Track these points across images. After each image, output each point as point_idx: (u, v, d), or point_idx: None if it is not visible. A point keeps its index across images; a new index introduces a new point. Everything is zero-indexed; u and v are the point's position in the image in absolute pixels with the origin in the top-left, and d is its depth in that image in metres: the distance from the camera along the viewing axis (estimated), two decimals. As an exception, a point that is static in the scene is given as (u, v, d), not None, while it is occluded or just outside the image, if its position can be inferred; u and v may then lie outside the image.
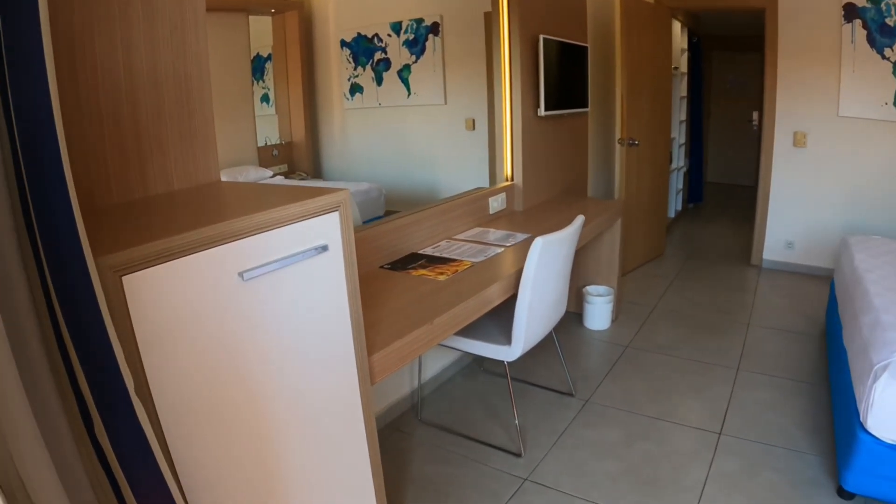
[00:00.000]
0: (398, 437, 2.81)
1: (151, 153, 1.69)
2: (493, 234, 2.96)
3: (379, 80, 5.19)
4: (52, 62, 0.91)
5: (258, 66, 5.53)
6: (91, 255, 1.01)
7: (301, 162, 6.13)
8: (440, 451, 2.68)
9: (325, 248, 1.55)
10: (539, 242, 2.31)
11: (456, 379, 3.29)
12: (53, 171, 0.93)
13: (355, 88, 5.37)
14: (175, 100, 1.73)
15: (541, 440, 2.71)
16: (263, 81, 5.75)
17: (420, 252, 2.72)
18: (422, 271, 2.46)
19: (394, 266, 2.56)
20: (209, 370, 1.32)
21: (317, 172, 5.92)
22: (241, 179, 5.22)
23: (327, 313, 1.62)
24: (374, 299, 2.20)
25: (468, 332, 2.55)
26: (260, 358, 1.43)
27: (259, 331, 1.42)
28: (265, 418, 1.47)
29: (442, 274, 2.41)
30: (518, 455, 2.61)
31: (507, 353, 2.49)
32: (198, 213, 1.46)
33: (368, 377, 1.78)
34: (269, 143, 6.06)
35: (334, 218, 1.58)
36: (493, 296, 2.32)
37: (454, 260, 2.57)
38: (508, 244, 2.77)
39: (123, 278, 1.13)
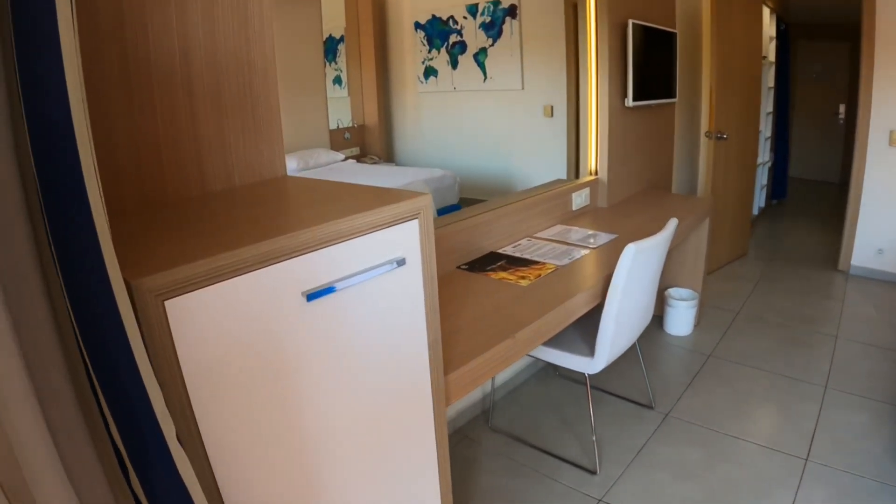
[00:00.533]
0: (466, 444, 2.60)
1: (210, 147, 1.51)
2: (577, 232, 2.70)
3: (454, 64, 4.96)
4: (74, 49, 0.69)
5: (330, 48, 5.37)
6: (119, 277, 0.80)
7: (373, 145, 5.96)
8: (509, 463, 2.47)
9: (402, 262, 1.33)
10: (631, 250, 2.05)
11: (530, 383, 3.05)
12: (70, 180, 0.72)
13: (429, 71, 5.16)
14: (237, 89, 1.54)
15: (617, 456, 2.46)
16: (336, 63, 5.59)
17: (499, 251, 2.49)
18: (502, 274, 2.24)
19: (472, 267, 2.34)
20: (267, 405, 1.11)
21: (389, 156, 5.75)
22: (311, 163, 5.09)
23: (402, 334, 1.40)
24: (451, 305, 1.99)
25: (548, 339, 2.32)
26: (325, 388, 1.23)
27: (324, 357, 1.21)
28: (329, 452, 1.27)
29: (524, 278, 2.18)
30: (593, 472, 2.37)
31: (589, 366, 2.25)
32: (257, 220, 1.24)
33: (443, 400, 1.57)
34: (340, 126, 5.91)
35: (413, 227, 1.36)
36: (579, 306, 2.08)
37: (536, 262, 2.33)
38: (593, 245, 2.52)
39: (166, 303, 0.93)
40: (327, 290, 1.16)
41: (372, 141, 5.80)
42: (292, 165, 5.01)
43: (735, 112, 4.33)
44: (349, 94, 5.50)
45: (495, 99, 4.77)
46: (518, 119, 4.69)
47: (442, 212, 4.35)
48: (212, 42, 1.46)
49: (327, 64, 5.41)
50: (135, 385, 0.82)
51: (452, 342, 1.75)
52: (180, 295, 0.95)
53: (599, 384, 2.99)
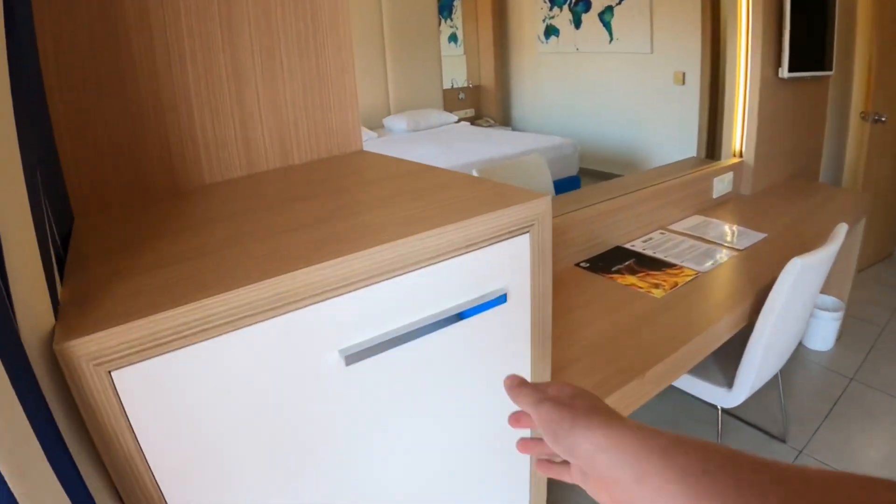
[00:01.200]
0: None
1: (259, 117, 1.18)
2: (717, 226, 2.20)
3: (577, 23, 4.43)
4: None
5: (446, 3, 4.92)
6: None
7: (488, 107, 5.50)
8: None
9: (501, 299, 0.88)
10: (796, 266, 1.55)
11: (653, 402, 2.60)
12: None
13: (550, 31, 4.64)
14: (295, 41, 1.19)
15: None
16: (451, 20, 5.13)
17: (627, 247, 2.03)
18: (630, 278, 1.79)
19: (593, 265, 1.90)
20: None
21: (505, 120, 5.29)
22: (422, 124, 4.72)
23: (491, 392, 0.93)
24: (565, 320, 1.57)
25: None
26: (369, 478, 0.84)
27: (369, 442, 0.81)
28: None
29: (657, 286, 1.73)
30: None
31: (726, 399, 1.80)
32: (290, 226, 0.82)
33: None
34: (455, 86, 5.48)
35: (522, 244, 0.90)
36: (723, 332, 1.63)
37: (671, 264, 1.87)
38: (739, 246, 2.01)
39: (113, 374, 0.56)
40: (372, 344, 0.75)
41: (487, 103, 5.36)
42: (401, 126, 4.67)
43: (897, 90, 3.64)
44: (465, 53, 5.05)
45: (621, 62, 4.22)
46: (645, 85, 4.13)
47: (559, 184, 3.89)
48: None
49: (442, 20, 4.98)
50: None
51: (575, 377, 1.36)
52: (134, 363, 0.57)
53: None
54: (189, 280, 0.64)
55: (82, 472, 0.54)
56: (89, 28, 0.97)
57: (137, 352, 0.57)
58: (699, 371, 1.82)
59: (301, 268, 0.66)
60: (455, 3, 4.92)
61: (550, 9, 4.57)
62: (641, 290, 1.70)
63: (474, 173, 2.44)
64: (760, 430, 2.34)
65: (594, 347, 1.45)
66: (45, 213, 0.68)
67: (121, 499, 0.61)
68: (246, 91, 1.14)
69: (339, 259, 0.68)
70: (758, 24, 2.34)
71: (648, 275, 1.78)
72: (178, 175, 1.12)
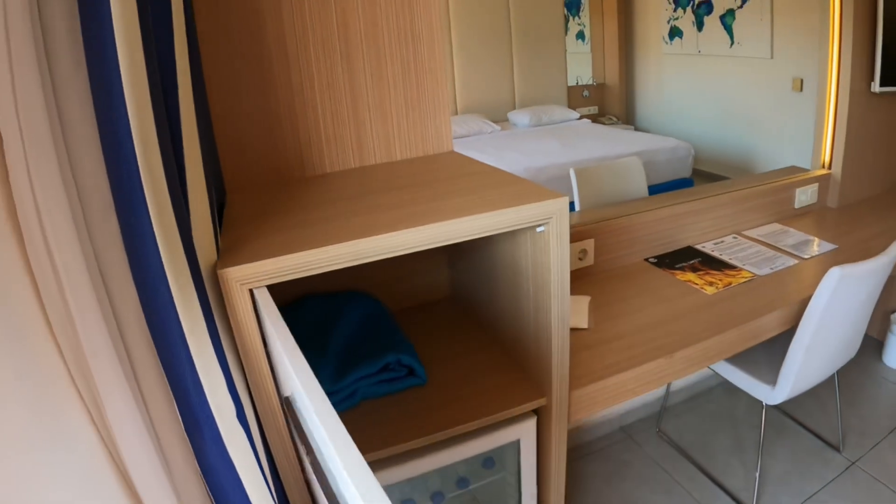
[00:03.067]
0: (625, 446, 2.45)
1: (369, 120, 1.59)
2: (793, 236, 2.35)
3: (699, 25, 4.52)
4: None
5: (574, 1, 5.12)
6: (178, 259, 0.83)
7: (612, 105, 5.67)
8: (662, 476, 2.28)
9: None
10: (834, 275, 1.71)
11: (715, 393, 2.77)
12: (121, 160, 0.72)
13: (674, 32, 4.75)
14: (399, 61, 1.59)
15: (780, 498, 2.16)
16: (579, 17, 5.34)
17: (698, 248, 2.24)
18: (689, 275, 2.01)
19: (660, 261, 2.13)
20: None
21: (628, 119, 5.44)
22: (544, 119, 4.97)
23: None
24: (621, 306, 1.85)
25: (735, 356, 2.07)
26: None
27: None
28: None
29: (712, 284, 1.94)
30: None
31: (768, 395, 1.97)
32: (379, 207, 1.23)
33: (564, 418, 1.46)
34: (580, 83, 5.68)
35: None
36: (767, 328, 1.81)
37: (732, 266, 2.06)
38: (807, 255, 2.16)
39: (255, 291, 0.99)
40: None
41: (612, 101, 5.52)
42: (524, 120, 4.92)
43: None
44: (591, 51, 5.23)
45: (741, 66, 4.29)
46: (764, 91, 4.19)
47: (672, 185, 4.06)
48: (372, 13, 1.50)
49: (571, 18, 5.18)
50: (190, 368, 0.84)
51: (600, 353, 1.62)
52: (265, 285, 1.00)
53: (788, 408, 2.64)
54: (305, 238, 1.06)
55: (227, 357, 0.94)
56: (240, 52, 1.43)
57: (269, 279, 1.00)
58: (748, 366, 2.01)
59: (378, 234, 1.06)
60: (583, 1, 5.10)
61: (675, 10, 4.68)
62: (695, 286, 1.91)
63: (572, 173, 2.69)
64: (816, 435, 2.47)
65: (638, 328, 1.70)
66: (210, 187, 1.08)
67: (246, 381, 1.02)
68: (359, 102, 1.57)
69: (404, 231, 1.08)
70: (848, 34, 2.43)
71: (707, 273, 1.99)
72: (305, 164, 1.58)
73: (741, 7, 4.11)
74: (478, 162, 1.57)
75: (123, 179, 0.72)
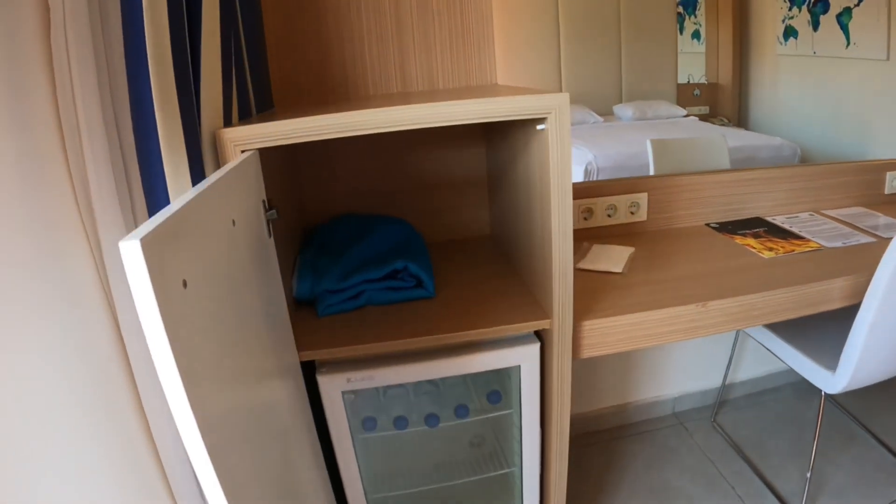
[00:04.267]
0: (675, 432, 2.34)
1: (413, 47, 1.70)
2: (878, 219, 2.15)
3: (815, 24, 4.28)
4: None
5: (690, 0, 4.99)
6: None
7: (724, 106, 5.46)
8: (708, 469, 2.16)
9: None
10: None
11: (784, 392, 2.59)
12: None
13: (789, 32, 4.53)
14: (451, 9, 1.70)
15: (834, 511, 1.98)
16: (695, 17, 5.20)
17: (767, 219, 2.12)
18: (750, 240, 1.90)
19: (722, 227, 2.03)
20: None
21: (741, 121, 5.22)
22: (649, 113, 4.84)
23: None
24: (667, 259, 1.77)
25: (791, 333, 1.94)
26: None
27: None
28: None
29: (771, 249, 1.83)
30: None
31: (827, 382, 1.82)
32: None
33: (568, 348, 1.41)
34: (691, 82, 5.53)
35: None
36: (825, 297, 1.66)
37: (799, 237, 1.93)
38: (882, 234, 1.97)
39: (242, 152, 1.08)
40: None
41: (723, 101, 5.31)
42: (628, 114, 4.81)
43: None
44: (706, 51, 5.09)
45: (855, 68, 4.03)
46: (880, 95, 3.93)
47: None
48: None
49: (687, 16, 5.05)
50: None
51: (626, 293, 1.57)
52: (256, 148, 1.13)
53: (859, 413, 2.42)
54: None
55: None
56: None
57: (260, 142, 1.11)
58: (807, 347, 1.87)
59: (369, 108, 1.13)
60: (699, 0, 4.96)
61: (790, 8, 4.47)
62: (752, 249, 1.81)
63: (648, 143, 2.61)
64: (887, 448, 2.25)
65: (675, 278, 1.64)
66: (232, 79, 1.22)
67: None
68: (404, 32, 1.68)
69: (395, 108, 1.14)
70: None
71: (770, 241, 1.88)
72: (349, 85, 1.70)
73: (858, 5, 3.88)
74: (513, 86, 1.58)
75: (132, 50, 0.88)
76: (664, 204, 2.01)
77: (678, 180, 2.01)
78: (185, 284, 0.68)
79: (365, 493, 1.56)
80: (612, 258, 1.75)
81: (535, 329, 1.41)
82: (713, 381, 2.47)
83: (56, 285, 0.90)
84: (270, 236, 1.22)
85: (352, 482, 1.53)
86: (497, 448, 1.76)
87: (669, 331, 1.51)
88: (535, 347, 1.43)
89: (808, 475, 1.97)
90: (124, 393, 1.07)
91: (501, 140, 1.63)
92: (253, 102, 1.41)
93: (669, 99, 5.14)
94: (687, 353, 2.39)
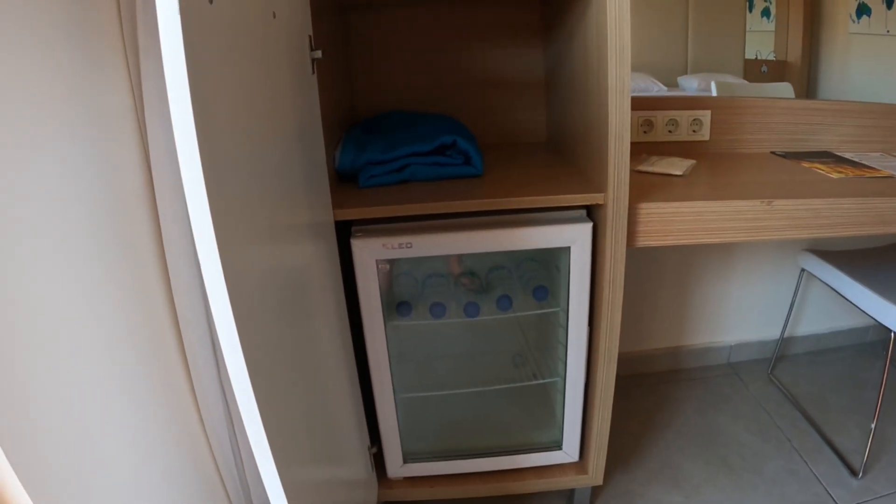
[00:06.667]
0: (729, 381, 2.29)
1: None
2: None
3: (889, 2, 4.21)
4: None
5: None
6: None
7: (793, 84, 5.41)
8: (763, 417, 2.10)
9: None
10: None
11: (846, 351, 2.51)
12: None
13: (862, 9, 4.46)
14: None
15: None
16: (766, -6, 5.18)
17: (836, 153, 2.06)
18: (817, 164, 1.85)
19: (788, 155, 1.99)
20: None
21: (809, 97, 5.18)
22: (713, 87, 4.84)
23: None
24: (728, 171, 1.74)
25: (858, 270, 1.89)
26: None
27: None
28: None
29: (840, 172, 1.78)
30: (854, 474, 1.88)
31: (898, 318, 1.76)
32: None
33: (623, 234, 1.38)
34: (759, 58, 5.49)
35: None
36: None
37: (870, 167, 1.87)
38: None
39: None
40: None
41: (791, 79, 5.25)
42: (693, 85, 4.79)
43: None
44: (775, 28, 5.03)
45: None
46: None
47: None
48: None
49: (760, -6, 5.02)
50: None
51: (687, 187, 1.55)
52: None
53: None
54: None
55: None
56: None
57: None
58: (877, 286, 1.82)
59: None
60: (770, -25, 4.91)
61: None
62: (820, 171, 1.77)
63: (713, 84, 2.58)
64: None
65: (741, 183, 1.58)
66: None
67: None
68: None
69: None
70: None
71: (839, 166, 1.82)
72: None
73: (938, -23, 3.80)
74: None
75: None
76: (728, 125, 1.98)
77: (744, 101, 1.98)
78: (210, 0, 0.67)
79: (394, 390, 1.54)
80: (673, 165, 1.72)
81: (588, 203, 1.37)
82: (772, 332, 2.40)
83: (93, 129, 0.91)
84: (313, 73, 1.21)
85: (381, 375, 1.50)
86: (540, 358, 1.73)
87: (732, 227, 1.46)
88: (587, 227, 1.40)
89: (873, 426, 1.90)
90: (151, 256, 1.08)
91: (559, 24, 1.61)
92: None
93: (736, 73, 5.10)
94: (746, 296, 2.34)
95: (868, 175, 1.76)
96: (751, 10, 4.64)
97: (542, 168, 1.59)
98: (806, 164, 1.85)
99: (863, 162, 1.92)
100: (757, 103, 1.98)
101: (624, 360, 2.29)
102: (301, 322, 1.02)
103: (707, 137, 1.96)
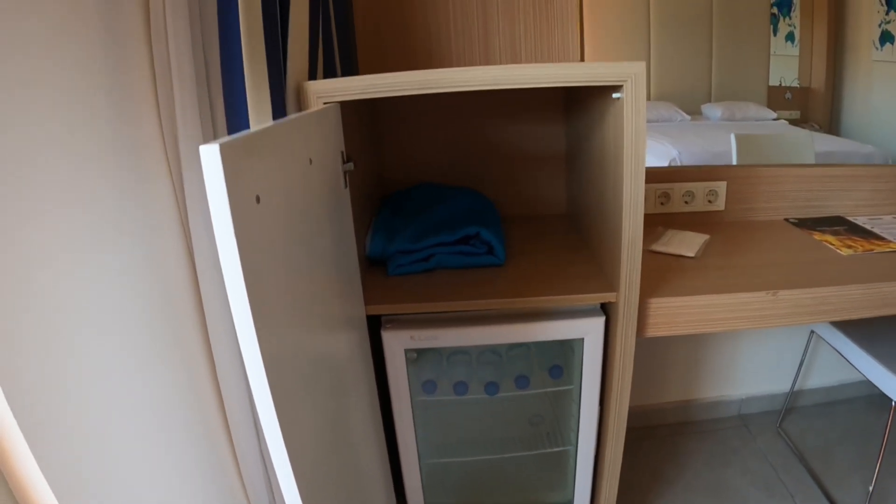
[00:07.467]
0: (738, 433, 2.41)
1: (497, 22, 1.84)
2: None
3: None
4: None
5: (785, 1, 4.97)
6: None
7: (816, 111, 5.41)
8: (768, 472, 2.22)
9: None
10: None
11: (857, 404, 2.61)
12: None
13: (886, 37, 4.48)
14: None
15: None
16: (790, 18, 5.17)
17: (849, 218, 2.16)
18: (828, 237, 1.95)
19: (801, 223, 2.09)
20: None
21: (832, 126, 5.19)
22: (737, 115, 4.85)
23: None
24: (743, 249, 1.84)
25: (865, 337, 1.99)
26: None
27: None
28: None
29: (850, 247, 1.88)
30: None
31: (902, 389, 1.88)
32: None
33: (633, 324, 1.50)
34: (783, 84, 5.49)
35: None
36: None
37: (881, 238, 1.97)
38: None
39: (325, 103, 1.23)
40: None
41: (815, 106, 5.28)
42: (716, 114, 4.84)
43: None
44: (799, 53, 5.07)
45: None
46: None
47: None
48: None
49: (782, 18, 5.05)
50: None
51: (696, 276, 1.65)
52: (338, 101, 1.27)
53: None
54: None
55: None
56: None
57: (340, 95, 1.24)
58: (882, 356, 1.92)
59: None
60: (794, 1, 4.94)
61: (887, 13, 4.43)
62: (830, 246, 1.87)
63: (732, 137, 2.67)
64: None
65: (748, 265, 1.71)
66: (318, 39, 1.36)
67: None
68: (489, 1, 1.81)
69: (468, 69, 1.23)
70: None
71: (849, 239, 1.93)
72: (433, 57, 1.84)
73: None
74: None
75: (224, 13, 1.05)
76: (743, 194, 2.08)
77: (759, 171, 2.07)
78: (258, 200, 0.79)
79: (419, 457, 1.68)
80: (686, 243, 1.83)
81: (601, 301, 1.50)
82: (782, 385, 2.51)
83: (137, 208, 1.06)
84: (346, 187, 1.34)
85: (407, 444, 1.65)
86: (555, 426, 1.86)
87: (737, 317, 1.58)
88: (599, 321, 1.52)
89: (871, 488, 2.02)
90: (192, 323, 1.22)
91: (579, 113, 1.73)
92: (338, 62, 1.55)
93: (760, 101, 5.14)
94: (757, 353, 2.45)
95: (878, 249, 1.85)
96: (775, 34, 4.69)
97: (561, 252, 1.71)
98: (817, 237, 1.95)
99: (874, 230, 2.02)
100: (772, 173, 2.08)
101: (636, 413, 2.42)
102: (335, 397, 1.16)
103: (722, 207, 2.06)
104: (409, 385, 1.56)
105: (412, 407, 1.60)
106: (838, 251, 1.84)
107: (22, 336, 0.76)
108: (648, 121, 4.59)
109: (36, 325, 0.78)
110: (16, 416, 0.73)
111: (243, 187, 0.74)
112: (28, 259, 0.77)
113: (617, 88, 1.30)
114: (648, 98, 4.68)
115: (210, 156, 0.67)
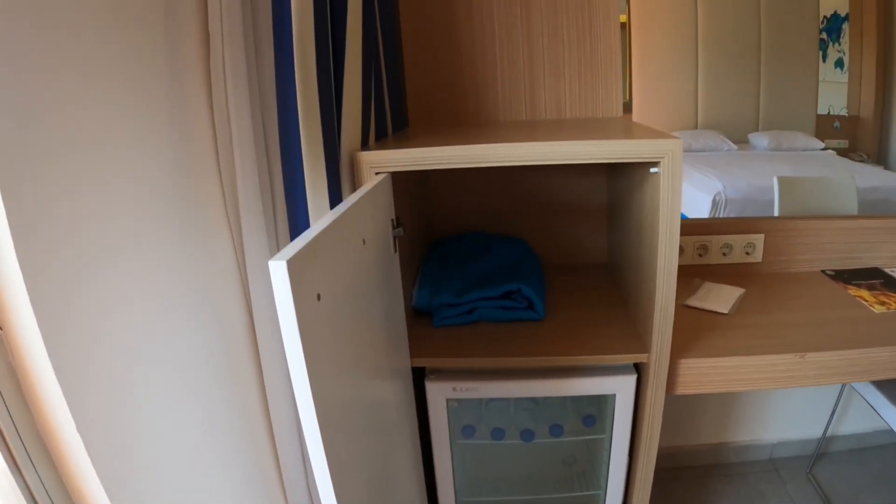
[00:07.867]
0: (768, 478, 2.47)
1: (543, 76, 1.91)
2: None
3: None
4: None
5: (834, 26, 4.93)
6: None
7: (864, 141, 5.37)
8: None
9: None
10: None
11: (890, 451, 2.67)
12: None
13: None
14: (575, 25, 1.87)
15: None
16: (839, 44, 5.12)
17: (886, 270, 2.21)
18: (863, 292, 2.01)
19: (837, 276, 2.15)
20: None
21: (881, 157, 5.15)
22: (784, 144, 4.86)
23: None
24: (775, 304, 1.92)
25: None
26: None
27: None
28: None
29: (884, 304, 1.94)
30: None
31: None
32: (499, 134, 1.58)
33: (663, 383, 1.59)
34: (831, 113, 5.44)
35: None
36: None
37: (917, 296, 2.03)
38: None
39: (377, 174, 1.33)
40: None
41: (864, 135, 5.26)
42: (763, 143, 4.85)
43: None
44: (848, 81, 5.05)
45: None
46: None
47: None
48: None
49: (831, 44, 5.03)
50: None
51: (727, 335, 1.73)
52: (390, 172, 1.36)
53: None
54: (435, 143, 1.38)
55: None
56: (432, 15, 1.87)
57: (392, 166, 1.34)
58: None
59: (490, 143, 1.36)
60: (844, 27, 4.93)
61: None
62: (864, 302, 1.93)
63: (775, 180, 2.74)
64: None
65: (779, 324, 1.78)
66: (369, 99, 1.45)
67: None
68: (535, 58, 1.90)
69: (511, 144, 1.35)
70: None
71: (884, 294, 1.99)
72: (480, 111, 1.95)
73: None
74: (637, 124, 1.76)
75: (282, 80, 1.15)
76: (781, 247, 2.14)
77: (797, 224, 2.13)
78: (318, 297, 0.89)
79: (456, 496, 1.79)
80: (721, 298, 1.91)
81: (634, 361, 1.60)
82: (814, 431, 2.57)
83: (203, 284, 1.20)
84: (395, 251, 1.45)
85: (445, 485, 1.77)
86: (587, 468, 1.96)
87: (764, 378, 1.65)
88: (631, 379, 1.62)
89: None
90: (252, 379, 1.37)
91: (621, 173, 1.82)
92: (389, 122, 1.67)
93: (808, 130, 5.14)
94: (791, 399, 2.51)
95: (911, 308, 1.91)
96: (824, 60, 4.70)
97: (598, 307, 1.80)
98: (852, 291, 2.01)
99: (909, 285, 2.07)
100: (811, 225, 2.13)
101: (666, 454, 2.50)
102: (379, 438, 1.27)
103: (760, 259, 2.13)
104: (450, 429, 1.67)
105: (451, 449, 1.71)
106: (871, 308, 1.90)
107: (114, 382, 0.90)
108: (694, 150, 4.65)
109: (117, 367, 0.92)
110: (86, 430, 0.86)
111: (307, 290, 0.84)
112: (107, 309, 0.92)
113: (655, 163, 1.39)
114: (695, 126, 4.75)
115: (278, 270, 0.77)
